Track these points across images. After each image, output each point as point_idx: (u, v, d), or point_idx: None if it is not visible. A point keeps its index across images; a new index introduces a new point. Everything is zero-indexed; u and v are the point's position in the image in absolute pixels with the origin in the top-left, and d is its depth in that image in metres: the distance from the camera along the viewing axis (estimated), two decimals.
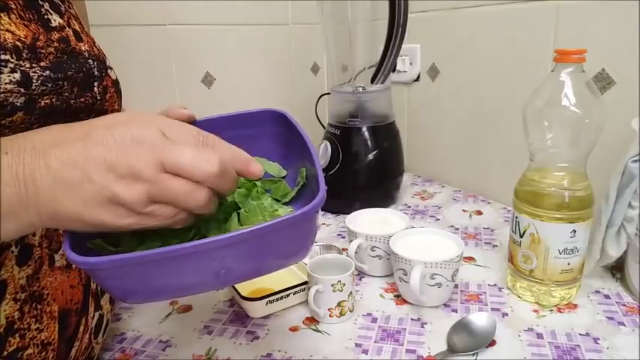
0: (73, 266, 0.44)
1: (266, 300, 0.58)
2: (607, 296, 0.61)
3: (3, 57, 0.34)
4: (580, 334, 0.54)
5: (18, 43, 0.36)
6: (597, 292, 0.62)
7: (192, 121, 0.42)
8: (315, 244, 0.77)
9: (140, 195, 0.30)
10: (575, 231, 0.55)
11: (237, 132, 0.45)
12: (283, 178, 0.47)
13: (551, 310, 0.59)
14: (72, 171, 0.30)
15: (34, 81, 0.36)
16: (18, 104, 0.35)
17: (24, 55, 0.36)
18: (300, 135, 0.43)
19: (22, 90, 0.35)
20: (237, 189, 0.42)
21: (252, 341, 0.55)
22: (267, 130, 0.46)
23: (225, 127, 0.44)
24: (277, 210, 0.43)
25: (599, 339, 0.53)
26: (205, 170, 0.31)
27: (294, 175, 0.46)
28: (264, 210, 0.43)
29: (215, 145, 0.35)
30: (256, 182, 0.45)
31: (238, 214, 0.42)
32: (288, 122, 0.45)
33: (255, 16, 1.10)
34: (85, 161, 0.30)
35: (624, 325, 0.55)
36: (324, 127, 0.96)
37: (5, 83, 0.34)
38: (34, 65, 0.37)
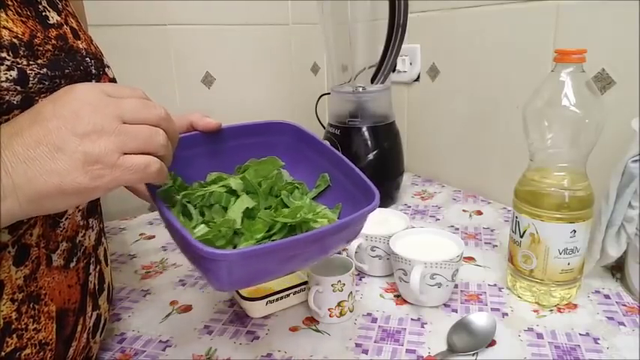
0: (71, 266, 0.44)
1: (266, 300, 0.58)
2: (607, 296, 0.61)
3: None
4: (580, 334, 0.54)
5: (15, 40, 0.36)
6: (597, 292, 0.62)
7: (220, 128, 0.49)
8: None
9: (109, 146, 0.32)
10: (575, 231, 0.55)
11: (256, 139, 0.53)
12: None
13: (551, 310, 0.58)
14: (38, 149, 0.31)
15: (31, 79, 0.36)
16: (14, 102, 0.35)
17: (21, 52, 0.36)
18: (325, 147, 0.51)
19: (18, 88, 0.35)
20: (282, 191, 0.51)
21: (252, 341, 0.55)
22: (282, 140, 0.53)
23: (247, 134, 0.52)
24: (317, 207, 0.49)
25: (599, 339, 0.53)
26: (156, 114, 0.35)
27: (305, 179, 0.53)
28: (306, 207, 0.48)
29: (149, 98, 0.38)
30: (297, 185, 0.52)
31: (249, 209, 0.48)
32: (304, 135, 0.53)
33: (255, 16, 1.10)
34: (46, 136, 0.31)
35: (624, 325, 0.55)
36: (324, 127, 0.96)
37: (1, 81, 0.34)
38: (31, 63, 0.36)
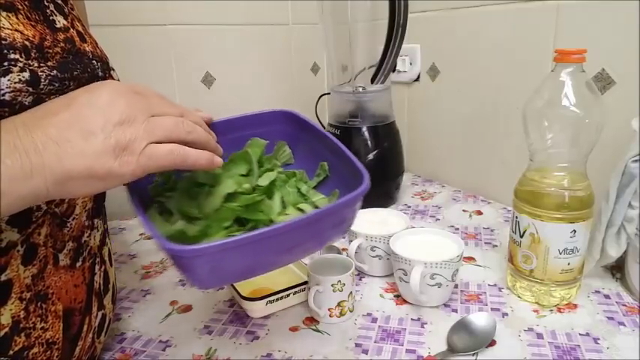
0: (77, 265, 0.44)
1: (266, 300, 0.58)
2: (607, 296, 0.61)
3: (13, 56, 0.35)
4: (580, 334, 0.54)
5: (27, 43, 0.36)
6: (597, 292, 0.62)
7: (211, 122, 0.47)
8: None
9: (138, 134, 0.34)
10: (575, 231, 0.55)
11: (250, 131, 0.51)
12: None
13: (551, 310, 0.59)
14: (72, 132, 0.32)
15: (42, 80, 0.36)
16: (26, 103, 0.35)
17: (32, 54, 0.36)
18: (319, 132, 0.49)
19: (30, 89, 0.35)
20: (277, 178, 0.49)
21: (252, 341, 0.55)
22: (278, 129, 0.52)
23: (239, 127, 0.51)
24: (313, 196, 0.48)
25: (599, 339, 0.53)
26: (178, 108, 0.39)
27: (306, 167, 0.51)
28: (302, 195, 0.47)
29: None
30: (296, 172, 0.50)
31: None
32: (299, 120, 0.51)
33: (255, 16, 1.10)
34: (80, 120, 0.33)
35: (624, 325, 0.55)
36: (324, 127, 0.96)
37: (15, 82, 0.34)
38: (41, 65, 0.37)
